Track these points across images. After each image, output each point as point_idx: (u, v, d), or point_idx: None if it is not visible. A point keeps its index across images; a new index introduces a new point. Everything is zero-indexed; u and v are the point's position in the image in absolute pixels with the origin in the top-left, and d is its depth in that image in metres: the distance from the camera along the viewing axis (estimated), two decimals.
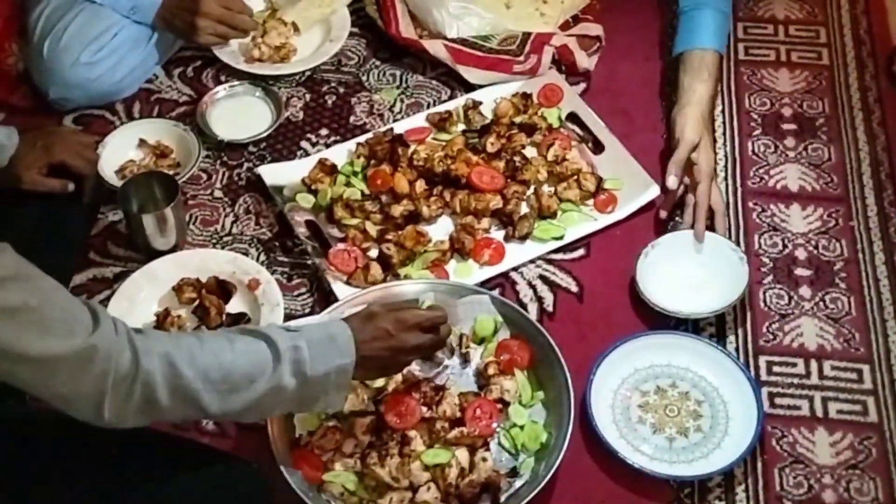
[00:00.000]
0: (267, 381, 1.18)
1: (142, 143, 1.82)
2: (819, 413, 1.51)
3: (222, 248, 1.70)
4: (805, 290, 1.66)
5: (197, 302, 1.59)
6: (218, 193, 1.79)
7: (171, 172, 1.75)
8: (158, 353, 1.11)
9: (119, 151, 1.80)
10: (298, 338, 1.21)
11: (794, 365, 1.57)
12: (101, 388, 1.08)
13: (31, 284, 1.05)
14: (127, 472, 1.24)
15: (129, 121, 1.88)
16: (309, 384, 1.21)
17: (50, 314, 1.05)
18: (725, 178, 1.81)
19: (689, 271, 1.64)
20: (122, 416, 1.11)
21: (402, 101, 1.95)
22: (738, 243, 1.70)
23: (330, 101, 1.95)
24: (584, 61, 1.94)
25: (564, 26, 2.01)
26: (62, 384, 1.07)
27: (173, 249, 1.66)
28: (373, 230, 1.69)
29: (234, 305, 1.60)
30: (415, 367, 1.48)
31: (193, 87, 1.95)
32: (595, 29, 2.00)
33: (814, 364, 1.57)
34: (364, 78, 1.99)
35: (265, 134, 1.86)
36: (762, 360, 1.57)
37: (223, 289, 1.61)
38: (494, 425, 1.45)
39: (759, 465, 1.46)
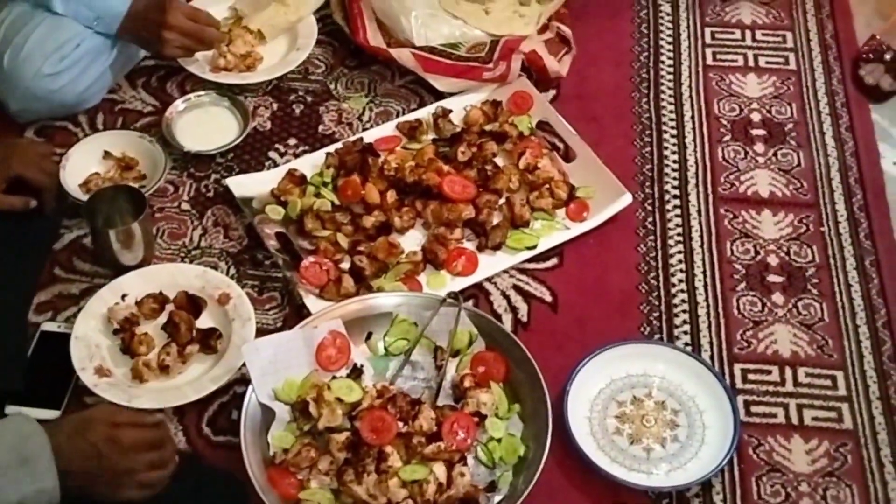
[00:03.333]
0: None
1: (106, 155, 1.78)
2: (794, 420, 1.52)
3: (191, 262, 1.67)
4: (778, 297, 1.66)
5: (167, 318, 1.56)
6: (185, 206, 1.76)
7: (137, 185, 1.71)
8: None
9: (83, 164, 1.76)
10: None
11: (769, 372, 1.57)
12: None
13: None
14: None
15: (92, 132, 1.84)
16: None
17: None
18: (697, 185, 1.81)
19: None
20: None
21: (370, 109, 1.93)
22: (710, 251, 1.70)
23: (298, 111, 1.92)
24: (555, 66, 1.93)
25: (543, 30, 1.99)
26: None
27: (141, 264, 1.63)
28: (344, 242, 1.66)
29: (205, 321, 1.57)
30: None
31: (158, 97, 1.92)
32: (567, 31, 1.98)
33: (788, 371, 1.57)
34: (332, 86, 1.96)
35: (233, 144, 1.82)
36: (737, 367, 1.57)
37: (193, 304, 1.58)
38: (471, 440, 1.43)
39: (737, 473, 1.46)
